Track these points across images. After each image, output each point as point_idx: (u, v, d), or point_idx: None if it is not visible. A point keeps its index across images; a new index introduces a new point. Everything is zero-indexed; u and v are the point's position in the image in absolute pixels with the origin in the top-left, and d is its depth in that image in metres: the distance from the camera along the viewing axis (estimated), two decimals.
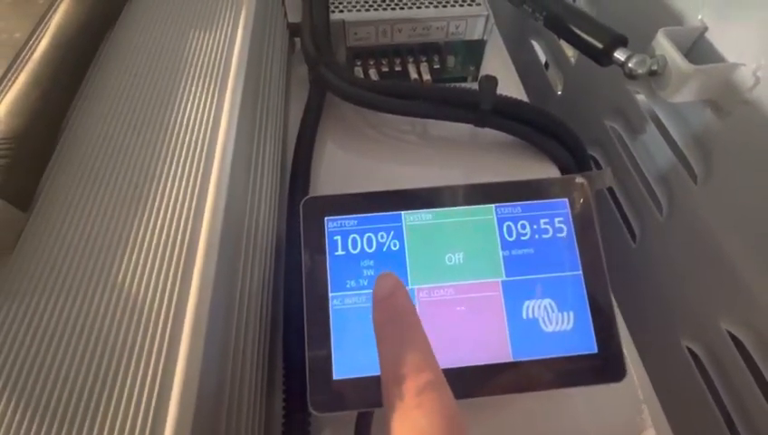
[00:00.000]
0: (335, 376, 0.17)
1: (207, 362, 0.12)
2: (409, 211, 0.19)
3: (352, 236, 0.19)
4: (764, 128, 0.21)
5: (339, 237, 0.19)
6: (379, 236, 0.19)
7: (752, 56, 0.21)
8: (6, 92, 0.17)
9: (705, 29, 0.24)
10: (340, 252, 0.18)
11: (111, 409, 0.12)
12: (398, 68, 0.31)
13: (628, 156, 0.31)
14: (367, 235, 0.19)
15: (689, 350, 0.27)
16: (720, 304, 0.25)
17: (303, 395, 0.17)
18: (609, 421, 0.21)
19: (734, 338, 0.24)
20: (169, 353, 0.12)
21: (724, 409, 0.25)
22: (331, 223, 0.19)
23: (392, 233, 0.19)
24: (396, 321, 0.13)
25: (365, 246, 0.19)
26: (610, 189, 0.34)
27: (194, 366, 0.12)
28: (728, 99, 0.23)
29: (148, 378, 0.12)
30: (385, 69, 0.31)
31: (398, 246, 0.19)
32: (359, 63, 0.31)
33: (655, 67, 0.24)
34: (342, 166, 0.30)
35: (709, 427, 0.26)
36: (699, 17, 0.24)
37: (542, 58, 0.43)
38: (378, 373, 0.17)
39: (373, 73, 0.32)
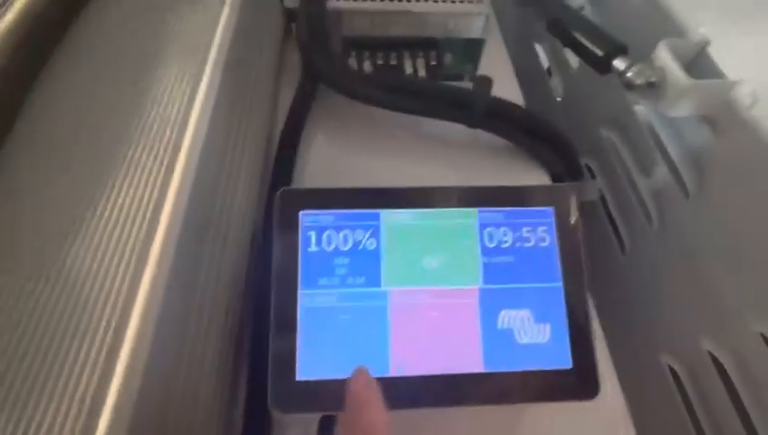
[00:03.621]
0: (298, 376, 0.16)
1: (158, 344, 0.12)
2: (389, 210, 0.18)
3: (327, 232, 0.18)
4: (759, 149, 0.20)
5: (313, 233, 0.18)
6: (356, 234, 0.18)
7: (751, 75, 0.21)
8: None
9: (708, 43, 0.24)
10: (313, 248, 0.18)
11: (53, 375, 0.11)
12: (393, 62, 0.30)
13: (621, 166, 0.31)
14: (343, 232, 0.18)
15: (670, 367, 0.27)
16: (702, 323, 0.25)
17: (266, 394, 0.16)
18: None
19: (714, 360, 0.24)
20: (117, 333, 0.11)
21: (700, 429, 0.25)
22: (306, 218, 0.18)
23: (370, 231, 0.18)
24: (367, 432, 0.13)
25: (340, 244, 0.18)
26: (602, 198, 0.33)
27: (142, 349, 0.11)
28: (725, 116, 0.22)
29: (91, 356, 0.11)
30: (380, 62, 0.31)
31: (374, 246, 0.18)
32: (353, 54, 0.31)
33: (653, 79, 0.23)
34: (331, 159, 0.29)
35: None
36: (701, 30, 0.24)
37: (545, 63, 0.42)
38: (343, 377, 0.16)
39: (368, 65, 0.31)
